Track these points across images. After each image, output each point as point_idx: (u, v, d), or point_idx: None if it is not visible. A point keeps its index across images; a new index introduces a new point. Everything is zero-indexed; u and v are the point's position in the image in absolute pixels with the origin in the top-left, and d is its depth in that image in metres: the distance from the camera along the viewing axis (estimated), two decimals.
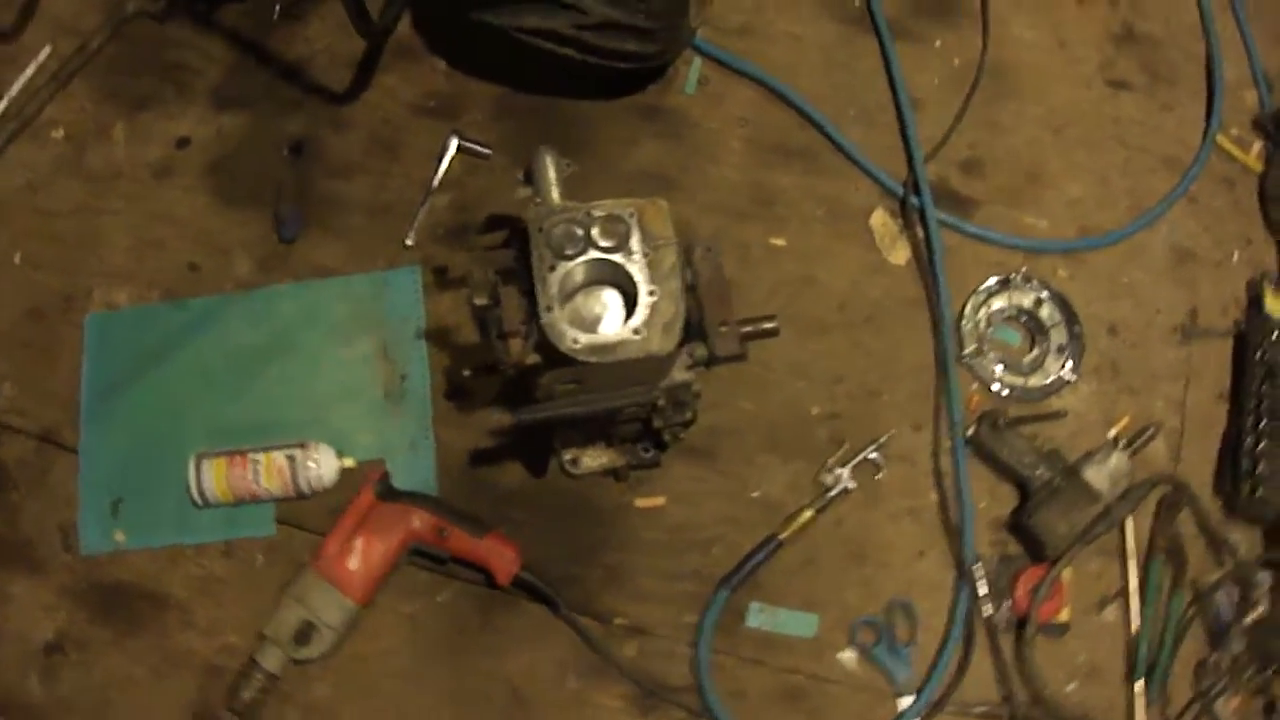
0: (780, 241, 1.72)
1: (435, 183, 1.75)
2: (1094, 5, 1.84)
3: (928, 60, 1.81)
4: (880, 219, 1.73)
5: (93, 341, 1.71)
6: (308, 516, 1.62)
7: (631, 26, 1.58)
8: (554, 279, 1.32)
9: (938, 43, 1.81)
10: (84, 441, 1.67)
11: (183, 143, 1.80)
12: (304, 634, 1.52)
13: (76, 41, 1.84)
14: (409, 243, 1.72)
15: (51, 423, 1.69)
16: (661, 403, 1.42)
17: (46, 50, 1.86)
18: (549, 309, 1.31)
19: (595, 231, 1.34)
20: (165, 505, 1.63)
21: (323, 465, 1.59)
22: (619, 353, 1.30)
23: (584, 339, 1.30)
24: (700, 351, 1.40)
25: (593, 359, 1.30)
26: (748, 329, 1.46)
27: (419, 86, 1.81)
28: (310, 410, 1.67)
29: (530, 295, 1.34)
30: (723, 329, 1.40)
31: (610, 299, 1.37)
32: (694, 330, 1.43)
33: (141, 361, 1.70)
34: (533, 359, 1.34)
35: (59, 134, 1.82)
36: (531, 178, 1.47)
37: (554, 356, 1.32)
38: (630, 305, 1.35)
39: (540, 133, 1.77)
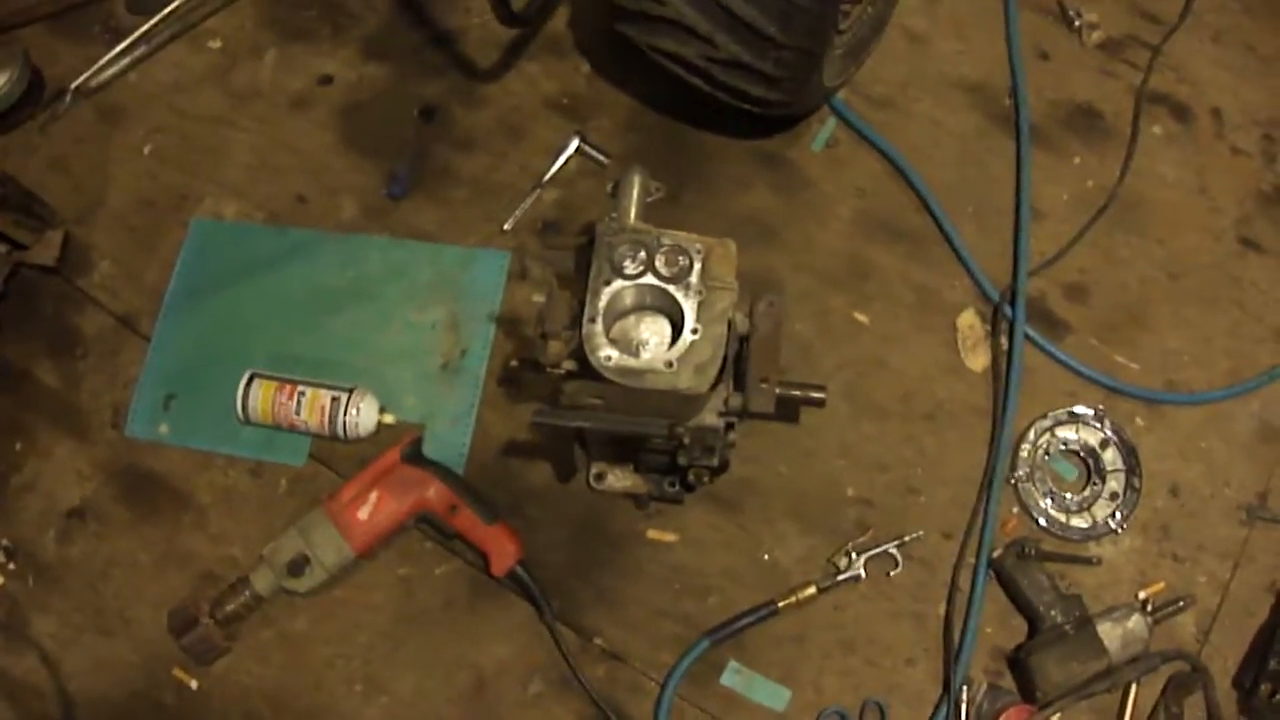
0: (863, 318, 1.76)
1: (547, 177, 1.86)
2: (1247, 158, 1.84)
3: (1061, 174, 1.83)
4: (968, 320, 1.75)
5: (192, 244, 1.88)
6: (339, 460, 1.75)
7: (758, 71, 1.65)
8: (606, 293, 1.40)
9: (1076, 159, 1.84)
10: (157, 334, 1.84)
11: (325, 80, 1.96)
12: (297, 565, 1.64)
13: None
14: (507, 228, 1.84)
15: (134, 308, 1.86)
16: (687, 441, 1.46)
17: None
18: (592, 320, 1.38)
19: (659, 259, 1.39)
20: (212, 412, 1.78)
21: (363, 414, 1.70)
22: (646, 381, 1.36)
23: (616, 358, 1.37)
24: (735, 401, 1.44)
25: (619, 380, 1.36)
26: (793, 392, 1.51)
27: (558, 82, 1.93)
28: (369, 361, 1.79)
29: (582, 304, 1.41)
30: (763, 385, 1.44)
31: (661, 330, 1.43)
32: (737, 379, 1.46)
33: (231, 274, 1.86)
34: (570, 366, 1.41)
35: (215, 44, 2.01)
36: (617, 192, 1.53)
37: (586, 368, 1.39)
38: (676, 339, 1.40)
39: (661, 154, 1.87)
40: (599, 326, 1.39)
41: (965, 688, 1.59)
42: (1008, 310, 1.75)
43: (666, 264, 1.42)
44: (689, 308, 1.40)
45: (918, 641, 1.63)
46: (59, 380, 1.83)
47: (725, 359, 1.44)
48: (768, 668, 1.62)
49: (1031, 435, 1.70)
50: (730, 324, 1.43)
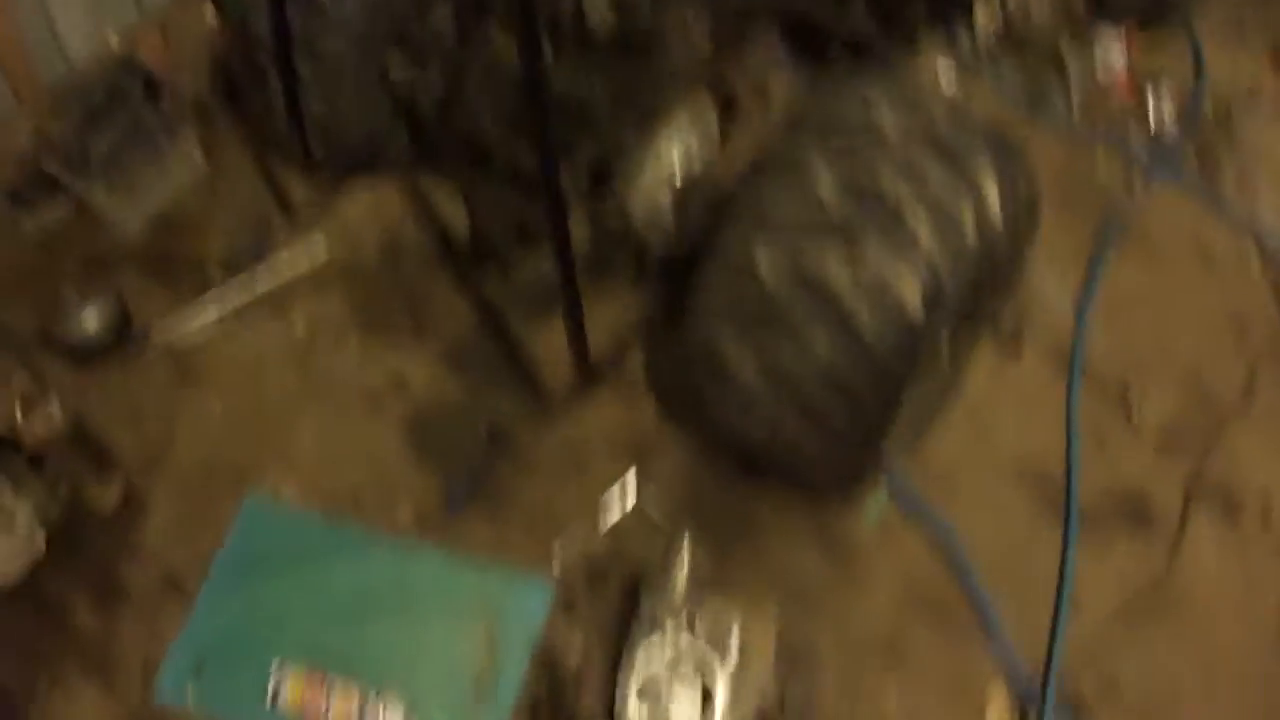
0: (893, 699, 1.76)
1: (603, 529, 1.89)
2: None
3: (1104, 565, 1.86)
4: (997, 710, 1.75)
5: (245, 519, 1.97)
6: None
7: (817, 458, 1.73)
8: (640, 653, 1.51)
9: (1120, 547, 1.88)
10: (201, 599, 1.90)
11: (401, 384, 2.06)
12: None
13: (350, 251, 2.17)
14: (555, 569, 1.86)
15: (181, 569, 1.92)
16: None
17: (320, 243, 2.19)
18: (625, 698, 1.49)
19: (698, 624, 1.47)
20: (241, 687, 1.82)
21: None
22: None
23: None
24: None
25: None
26: None
27: (625, 418, 2.01)
28: (402, 666, 1.83)
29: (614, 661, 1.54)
30: None
31: (691, 695, 1.51)
32: None
33: (281, 556, 1.94)
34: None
35: (300, 328, 2.12)
36: (665, 560, 1.61)
37: None
38: (707, 706, 1.47)
39: (716, 505, 1.92)
40: (631, 691, 1.49)
41: None
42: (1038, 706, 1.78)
43: (705, 632, 1.50)
44: (721, 679, 1.48)
45: None
46: (97, 625, 1.88)
47: None
48: None
49: None
50: (761, 695, 1.50)
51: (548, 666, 1.82)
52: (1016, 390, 2.04)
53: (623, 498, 1.95)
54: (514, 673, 1.83)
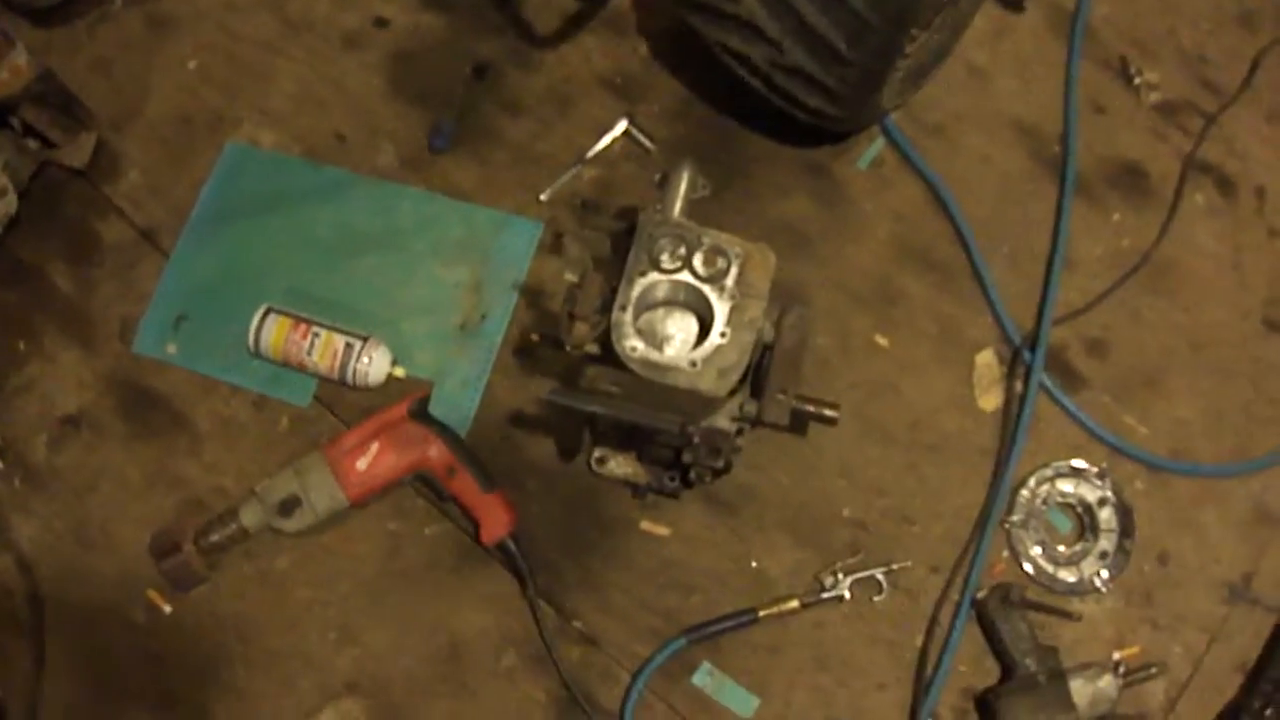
0: (884, 341, 1.76)
1: (591, 154, 1.84)
2: None
3: (1098, 228, 1.82)
4: (986, 360, 1.75)
5: (224, 167, 1.86)
6: (343, 406, 1.74)
7: (821, 83, 1.64)
8: (640, 284, 1.40)
9: (1116, 216, 1.83)
10: (178, 252, 1.82)
11: (380, 23, 1.93)
12: (289, 505, 1.63)
13: None
14: (543, 198, 1.82)
15: (157, 223, 1.84)
16: (696, 440, 1.47)
17: None
18: (623, 308, 1.38)
19: (697, 257, 1.40)
20: (222, 339, 1.77)
21: (374, 364, 1.69)
22: (668, 377, 1.37)
23: (641, 350, 1.37)
24: (749, 408, 1.45)
25: (641, 371, 1.37)
26: (807, 407, 1.51)
27: (614, 60, 1.91)
28: (387, 311, 1.78)
29: (614, 289, 1.42)
30: (779, 396, 1.44)
31: (687, 326, 1.44)
32: (755, 387, 1.48)
33: (259, 203, 1.84)
34: (592, 349, 1.42)
35: None
36: (664, 184, 1.54)
37: (610, 355, 1.40)
38: (702, 339, 1.42)
39: (707, 147, 1.86)
40: (629, 315, 1.39)
41: None
42: (1027, 356, 1.74)
43: (704, 263, 1.42)
44: (721, 310, 1.40)
45: (890, 669, 1.63)
46: (72, 285, 1.81)
47: (749, 367, 1.47)
48: (740, 674, 1.63)
49: (1032, 482, 1.69)
50: (759, 332, 1.46)
51: (535, 306, 1.77)
52: (1016, 49, 1.91)
53: (611, 136, 1.85)
54: (500, 313, 1.77)
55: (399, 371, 1.72)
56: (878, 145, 1.86)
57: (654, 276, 1.40)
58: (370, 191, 1.83)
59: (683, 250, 1.41)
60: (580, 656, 1.64)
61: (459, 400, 1.73)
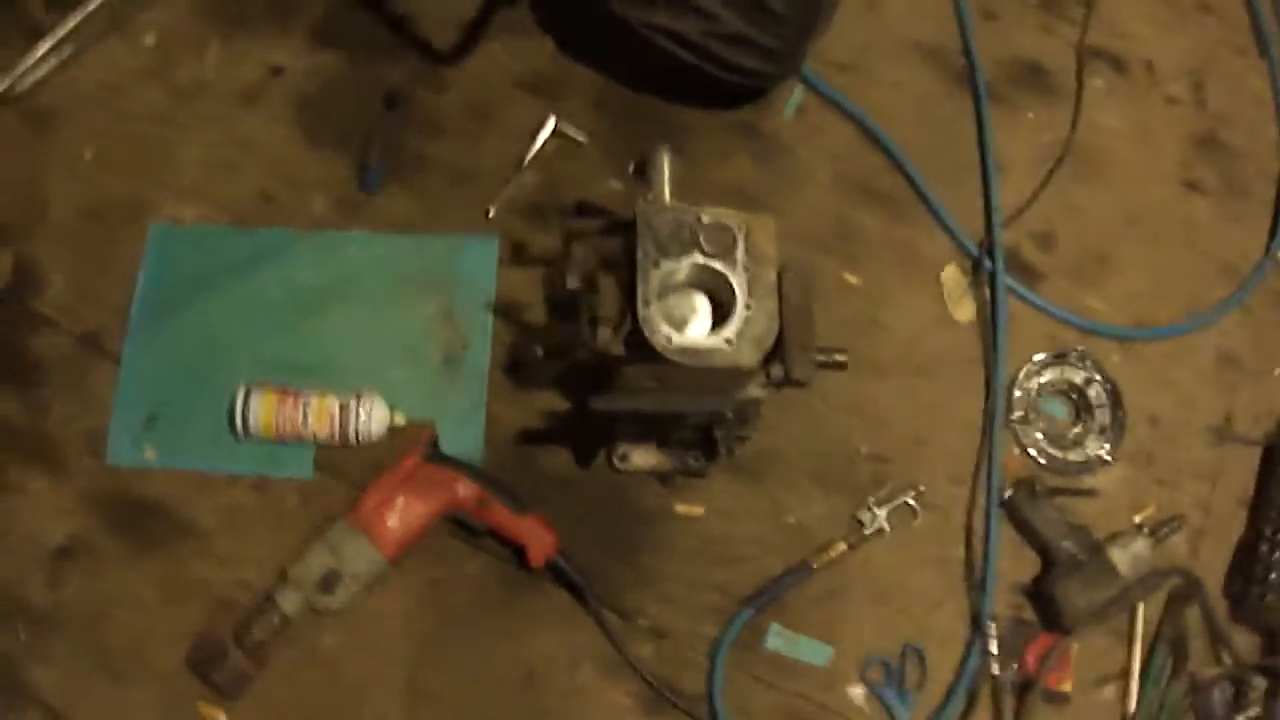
0: (854, 279, 1.79)
1: (527, 160, 1.80)
2: (1181, 106, 1.95)
3: (1018, 130, 1.90)
4: (951, 275, 1.81)
5: (153, 252, 1.73)
6: (347, 467, 1.66)
7: (759, 44, 1.65)
8: (656, 275, 1.38)
9: (1030, 115, 1.91)
10: (128, 350, 1.69)
11: (276, 71, 1.83)
12: (329, 582, 1.55)
13: None
14: (491, 214, 1.77)
15: (96, 326, 1.71)
16: (729, 415, 1.49)
17: None
18: (647, 304, 1.37)
19: (701, 237, 1.41)
20: (202, 429, 1.66)
21: (374, 417, 1.62)
22: (708, 359, 1.35)
23: (676, 339, 1.35)
24: (776, 371, 1.47)
25: (681, 360, 1.35)
26: (821, 358, 1.54)
27: (523, 62, 1.86)
28: (365, 361, 1.70)
29: (625, 287, 1.40)
30: (803, 353, 1.47)
31: (700, 304, 1.44)
32: (774, 350, 1.50)
33: (200, 281, 1.72)
34: (617, 350, 1.40)
35: (150, 40, 1.84)
36: (645, 172, 1.53)
37: (641, 351, 1.37)
38: (719, 313, 1.42)
39: (637, 130, 1.84)
40: (654, 309, 1.40)
41: (992, 623, 1.68)
42: (987, 262, 1.81)
43: (710, 241, 1.43)
44: (739, 283, 1.41)
45: (943, 585, 1.68)
46: (22, 411, 1.66)
47: (780, 331, 1.49)
48: (808, 627, 1.64)
49: (1021, 378, 1.77)
50: (779, 297, 1.47)
51: (513, 320, 1.73)
52: None
53: (543, 138, 1.81)
54: (480, 337, 1.72)
55: (399, 419, 1.65)
56: (798, 94, 1.88)
57: (668, 265, 1.40)
58: (312, 245, 1.74)
59: (686, 234, 1.42)
60: (654, 652, 1.62)
61: (463, 433, 1.67)
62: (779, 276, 1.48)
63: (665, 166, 1.51)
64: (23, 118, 1.79)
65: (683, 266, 1.40)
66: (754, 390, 1.47)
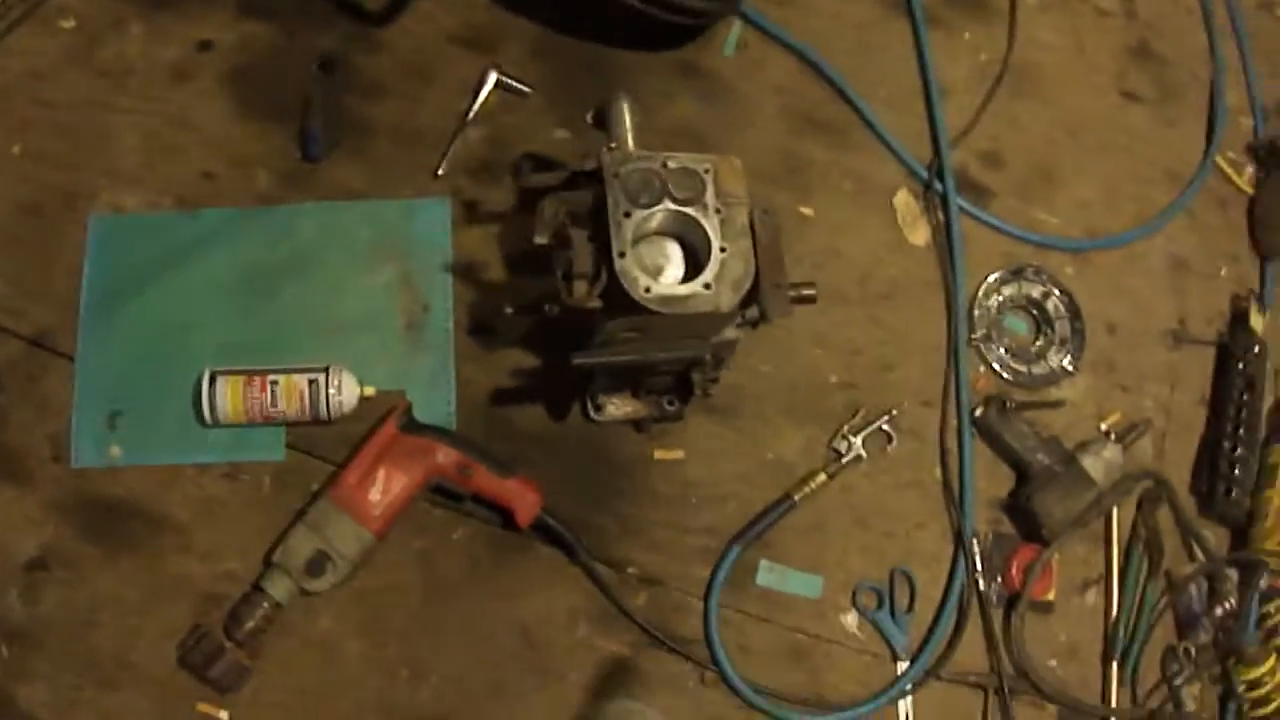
0: (808, 211, 1.79)
1: (470, 115, 1.75)
2: (1113, 18, 1.97)
3: (956, 51, 1.90)
4: (903, 199, 1.81)
5: (96, 244, 1.67)
6: (318, 443, 1.62)
7: None
8: (628, 225, 1.36)
9: (966, 35, 1.91)
10: (81, 349, 1.63)
11: (204, 46, 1.76)
12: (317, 564, 1.52)
13: None
14: (440, 173, 1.73)
15: (46, 326, 1.63)
16: (707, 358, 1.48)
17: None
18: (622, 255, 1.35)
19: (670, 184, 1.39)
20: (167, 422, 1.61)
21: (344, 392, 1.58)
22: (688, 306, 1.34)
23: (655, 288, 1.33)
24: (753, 312, 1.46)
25: (661, 309, 1.34)
26: (791, 294, 1.54)
27: (457, 16, 1.81)
28: (327, 335, 1.65)
29: (597, 240, 1.38)
30: (776, 290, 1.46)
31: (672, 251, 1.43)
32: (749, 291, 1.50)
33: (148, 270, 1.66)
34: (594, 304, 1.39)
35: (69, 23, 1.75)
36: (606, 122, 1.51)
37: (619, 303, 1.35)
38: (691, 259, 1.41)
39: (579, 77, 1.81)
40: (630, 260, 1.38)
41: (974, 540, 1.71)
42: (937, 185, 1.82)
43: (679, 187, 1.40)
44: (712, 227, 1.39)
45: (923, 506, 1.70)
46: None
47: (756, 272, 1.48)
48: (796, 559, 1.65)
49: (980, 297, 1.78)
50: (752, 238, 1.46)
51: (472, 280, 1.70)
52: None
53: (485, 92, 1.77)
54: (441, 300, 1.68)
55: (369, 391, 1.61)
56: (736, 30, 1.85)
57: (639, 214, 1.38)
58: (261, 221, 1.68)
59: (655, 181, 1.40)
60: (648, 599, 1.62)
61: (434, 399, 1.64)
62: (749, 217, 1.48)
63: (626, 115, 1.49)
64: None
65: (654, 215, 1.38)
66: (730, 332, 1.47)
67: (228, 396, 1.56)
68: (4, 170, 1.69)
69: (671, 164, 1.38)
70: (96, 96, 1.73)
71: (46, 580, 1.55)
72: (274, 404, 1.57)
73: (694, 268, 1.39)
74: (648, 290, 1.33)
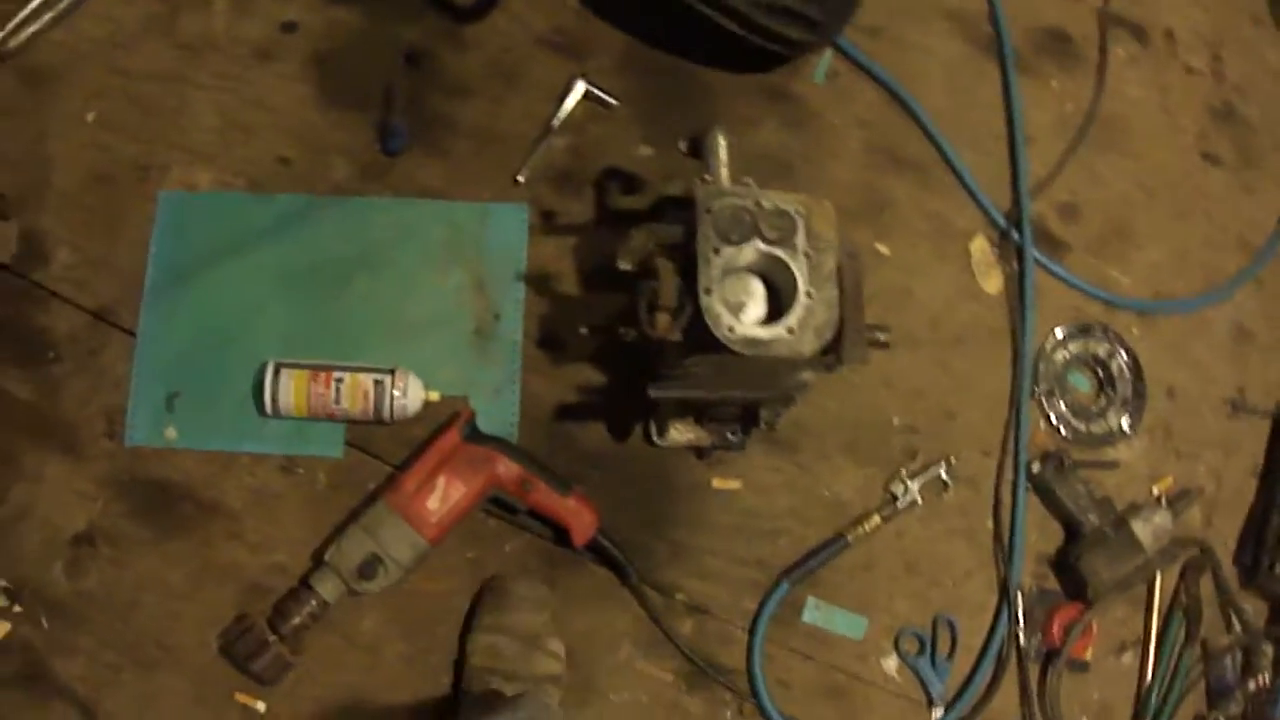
0: (885, 249, 1.77)
1: (556, 123, 1.72)
2: (1200, 77, 1.95)
3: (1043, 99, 1.87)
4: (980, 246, 1.79)
5: (165, 221, 1.64)
6: (376, 442, 1.60)
7: (803, 15, 1.60)
8: (717, 262, 1.33)
9: (1054, 83, 1.88)
10: (144, 326, 1.60)
11: (289, 27, 1.72)
12: (369, 567, 1.50)
13: None
14: (520, 179, 1.70)
15: (109, 300, 1.61)
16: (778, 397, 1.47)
17: None
18: (708, 291, 1.33)
19: (762, 223, 1.37)
20: (226, 408, 1.59)
21: (409, 395, 1.56)
22: (769, 349, 1.32)
23: (739, 329, 1.31)
24: (830, 358, 1.44)
25: (743, 350, 1.31)
26: (868, 337, 1.52)
27: (548, 19, 1.77)
28: (394, 334, 1.63)
29: (684, 273, 1.35)
30: (855, 339, 1.44)
31: (755, 288, 1.40)
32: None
33: (217, 251, 1.63)
34: (675, 337, 1.36)
35: None
36: (700, 152, 1.48)
37: (699, 339, 1.33)
38: (774, 298, 1.39)
39: (667, 94, 1.78)
40: (715, 296, 1.35)
41: (1019, 593, 1.71)
42: (1015, 234, 1.80)
43: (770, 227, 1.38)
44: (800, 270, 1.37)
45: (972, 556, 1.69)
46: (33, 391, 1.57)
47: (841, 320, 1.45)
48: (843, 599, 1.65)
49: (1047, 351, 1.77)
50: (839, 284, 1.44)
51: (545, 292, 1.68)
52: None
53: (572, 102, 1.74)
54: (512, 308, 1.66)
55: (433, 395, 1.59)
56: (827, 58, 1.82)
57: (728, 252, 1.36)
58: (335, 211, 1.65)
59: (746, 219, 1.38)
60: (694, 627, 1.61)
61: (498, 409, 1.62)
62: (838, 265, 1.46)
63: (722, 148, 1.47)
64: (18, 77, 1.67)
65: (743, 253, 1.36)
66: (805, 374, 1.46)
67: (291, 390, 1.54)
68: (76, 137, 1.66)
69: (765, 203, 1.36)
70: (175, 69, 1.69)
71: (93, 556, 1.54)
72: (337, 401, 1.55)
73: (776, 307, 1.37)
74: (731, 330, 1.30)
